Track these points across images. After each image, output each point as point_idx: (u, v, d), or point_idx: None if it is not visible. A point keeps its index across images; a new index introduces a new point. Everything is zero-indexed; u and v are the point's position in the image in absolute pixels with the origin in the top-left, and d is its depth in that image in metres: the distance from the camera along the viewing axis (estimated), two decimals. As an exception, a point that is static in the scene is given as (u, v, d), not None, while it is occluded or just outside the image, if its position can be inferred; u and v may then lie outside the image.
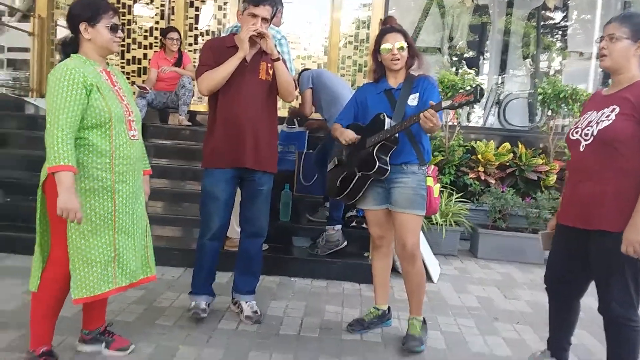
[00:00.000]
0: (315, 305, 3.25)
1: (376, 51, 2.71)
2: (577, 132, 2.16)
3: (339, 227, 3.88)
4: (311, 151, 4.47)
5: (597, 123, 2.06)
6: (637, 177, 1.97)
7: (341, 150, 2.86)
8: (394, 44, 2.63)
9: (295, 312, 3.10)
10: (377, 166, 2.57)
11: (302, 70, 4.35)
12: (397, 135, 2.56)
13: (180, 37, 5.54)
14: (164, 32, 5.53)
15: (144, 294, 3.16)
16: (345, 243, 3.90)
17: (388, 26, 2.92)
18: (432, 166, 2.78)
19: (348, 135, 2.73)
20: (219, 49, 2.79)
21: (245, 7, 2.73)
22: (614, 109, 2.04)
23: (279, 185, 4.22)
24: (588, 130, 2.09)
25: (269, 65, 2.80)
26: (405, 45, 2.65)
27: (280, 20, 3.86)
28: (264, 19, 2.71)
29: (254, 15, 2.69)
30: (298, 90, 3.81)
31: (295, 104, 4.58)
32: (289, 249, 4.09)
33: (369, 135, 2.65)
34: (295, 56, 6.30)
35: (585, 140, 2.09)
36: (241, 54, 2.68)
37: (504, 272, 4.30)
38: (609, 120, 2.03)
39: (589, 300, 2.23)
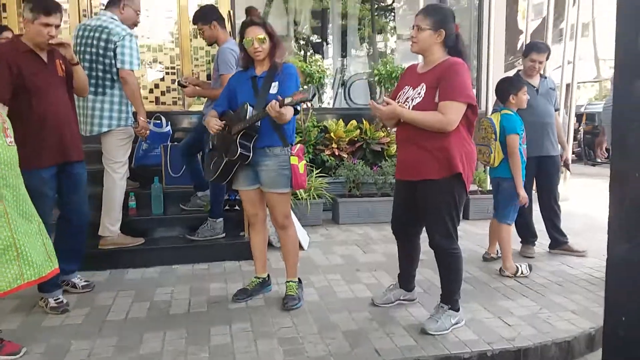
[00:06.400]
0: (199, 285, 3.48)
1: (241, 42, 2.95)
2: None
3: (221, 219, 4.12)
4: (176, 144, 4.61)
5: (413, 99, 2.62)
6: (444, 136, 2.55)
7: (215, 135, 3.05)
8: (254, 37, 2.88)
9: (181, 295, 3.31)
10: (238, 153, 2.86)
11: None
12: (257, 124, 2.85)
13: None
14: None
15: (19, 303, 3.13)
16: (224, 235, 4.14)
17: (248, 19, 3.03)
18: (298, 145, 3.00)
19: (212, 125, 2.95)
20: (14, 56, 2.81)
21: (36, 16, 2.76)
22: (422, 86, 2.61)
23: (150, 180, 4.33)
24: (406, 104, 2.64)
25: (61, 61, 3.00)
26: (265, 36, 2.89)
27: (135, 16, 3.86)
28: (57, 26, 2.84)
29: (47, 25, 2.78)
30: (218, 71, 3.75)
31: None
32: (166, 239, 4.20)
33: (235, 123, 2.91)
34: (145, 48, 6.25)
35: None
36: None
37: (361, 233, 4.93)
38: (419, 97, 2.60)
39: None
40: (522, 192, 3.60)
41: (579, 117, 12.29)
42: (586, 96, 20.00)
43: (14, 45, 2.91)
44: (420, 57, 2.81)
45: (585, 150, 12.60)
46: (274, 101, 2.68)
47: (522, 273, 3.63)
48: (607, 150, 4.47)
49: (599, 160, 10.68)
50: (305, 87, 2.65)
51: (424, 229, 2.79)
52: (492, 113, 3.72)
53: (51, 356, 2.48)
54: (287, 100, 2.67)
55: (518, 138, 3.53)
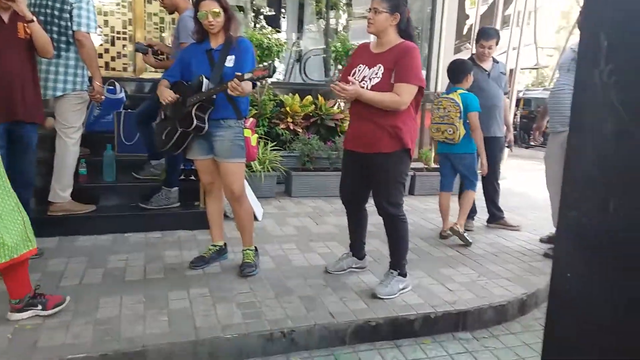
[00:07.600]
0: (154, 253, 3.51)
1: (195, 15, 2.97)
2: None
3: (176, 189, 4.14)
4: (130, 111, 4.52)
5: (370, 79, 2.77)
6: (396, 114, 2.75)
7: (167, 105, 3.05)
8: (209, 11, 2.89)
9: (136, 262, 3.32)
10: (194, 125, 2.90)
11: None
12: (213, 97, 2.89)
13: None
14: None
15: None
16: (179, 204, 4.16)
17: None
18: (250, 119, 3.19)
19: (166, 96, 2.96)
20: None
21: None
22: (380, 67, 2.76)
23: (102, 147, 4.24)
24: (363, 84, 2.78)
25: (26, 24, 2.98)
26: (219, 10, 2.91)
27: None
28: None
29: None
30: (178, 39, 3.68)
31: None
32: (118, 207, 4.16)
33: (190, 95, 2.92)
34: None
35: None
36: None
37: (314, 206, 5.08)
38: (377, 78, 2.75)
39: (379, 219, 2.97)
40: (486, 163, 4.00)
41: (516, 101, 12.95)
42: (523, 82, 21.04)
43: None
44: (372, 36, 2.94)
45: (521, 134, 13.35)
46: (235, 80, 2.71)
47: (466, 235, 3.93)
48: (544, 134, 4.81)
49: (532, 144, 11.36)
50: (265, 64, 2.71)
51: (372, 198, 2.96)
52: (449, 93, 3.87)
53: (6, 320, 2.45)
54: (247, 75, 2.72)
55: (478, 115, 3.82)
